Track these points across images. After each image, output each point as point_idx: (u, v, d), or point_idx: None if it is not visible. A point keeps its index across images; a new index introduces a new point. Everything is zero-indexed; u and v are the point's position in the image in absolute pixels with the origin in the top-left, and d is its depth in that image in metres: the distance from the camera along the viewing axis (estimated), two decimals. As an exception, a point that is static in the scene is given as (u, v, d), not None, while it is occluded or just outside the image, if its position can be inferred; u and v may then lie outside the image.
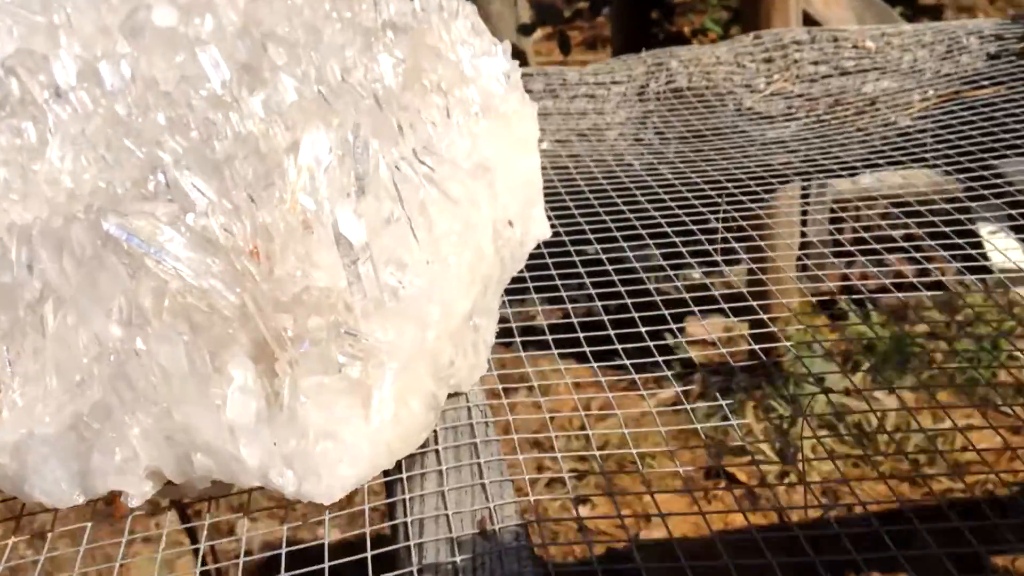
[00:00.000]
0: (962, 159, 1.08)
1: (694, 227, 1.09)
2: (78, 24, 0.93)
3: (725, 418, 0.78)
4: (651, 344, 0.79)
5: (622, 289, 0.91)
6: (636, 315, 0.85)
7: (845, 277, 1.09)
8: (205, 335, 0.52)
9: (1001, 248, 1.09)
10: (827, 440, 1.30)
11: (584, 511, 1.71)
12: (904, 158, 1.14)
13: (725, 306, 0.87)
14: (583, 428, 0.81)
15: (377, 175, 0.56)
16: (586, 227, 1.06)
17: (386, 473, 0.52)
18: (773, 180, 1.09)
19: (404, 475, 0.56)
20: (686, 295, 0.84)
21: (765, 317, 0.84)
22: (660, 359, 0.76)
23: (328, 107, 0.66)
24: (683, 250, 1.08)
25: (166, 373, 0.50)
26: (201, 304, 0.53)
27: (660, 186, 1.13)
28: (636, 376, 0.76)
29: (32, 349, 0.53)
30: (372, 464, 0.50)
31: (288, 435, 0.49)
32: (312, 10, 0.88)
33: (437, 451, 0.58)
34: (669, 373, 0.78)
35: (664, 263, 0.96)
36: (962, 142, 1.12)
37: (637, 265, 0.95)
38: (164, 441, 0.50)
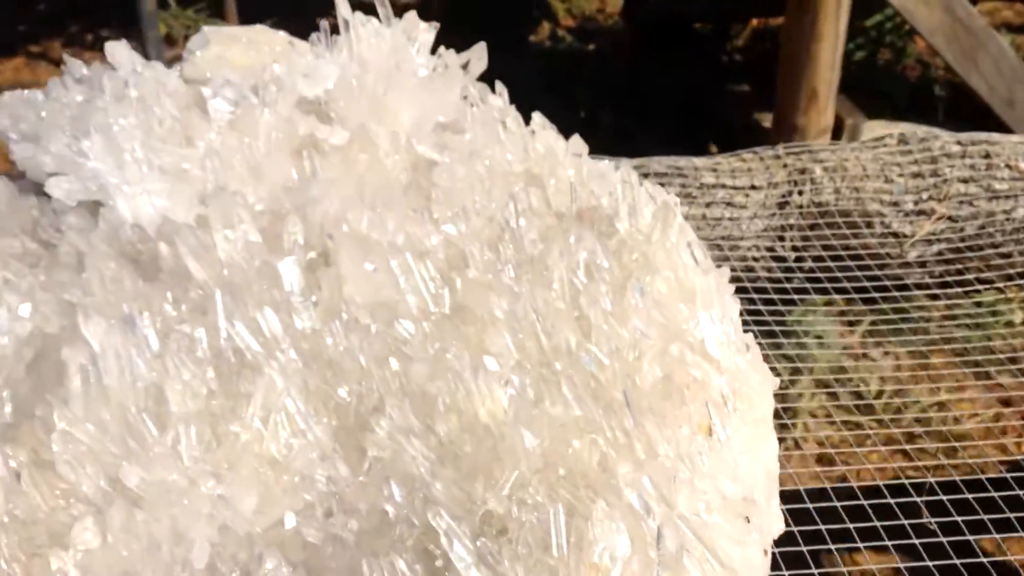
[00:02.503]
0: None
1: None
2: (226, 156, 0.84)
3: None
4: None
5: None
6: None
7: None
8: None
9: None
10: (826, 404, 1.28)
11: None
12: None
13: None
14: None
15: (678, 565, 0.51)
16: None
17: None
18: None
19: None
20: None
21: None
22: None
23: (581, 417, 0.59)
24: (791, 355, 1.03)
25: None
26: None
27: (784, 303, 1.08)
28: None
29: None
30: None
31: None
32: (499, 188, 0.80)
33: None
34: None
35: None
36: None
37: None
38: None
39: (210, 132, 0.86)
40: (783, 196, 1.15)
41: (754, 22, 4.78)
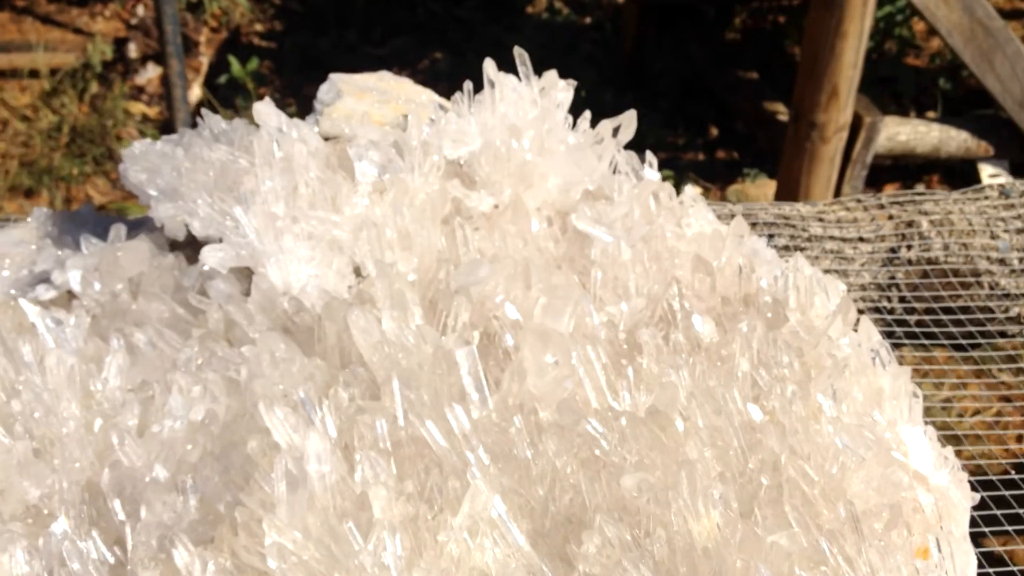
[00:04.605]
0: None
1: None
2: (380, 224, 0.83)
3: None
4: None
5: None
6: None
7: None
8: None
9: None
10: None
11: None
12: None
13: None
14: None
15: None
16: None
17: None
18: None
19: None
20: None
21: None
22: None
23: (807, 547, 0.59)
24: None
25: None
26: None
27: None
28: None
29: None
30: None
31: None
32: (659, 267, 0.80)
33: None
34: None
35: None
36: None
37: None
38: None
39: (356, 196, 0.85)
40: (891, 250, 1.16)
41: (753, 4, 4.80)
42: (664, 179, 0.89)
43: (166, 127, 3.96)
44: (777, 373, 0.73)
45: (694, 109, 4.39)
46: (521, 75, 0.91)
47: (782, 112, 3.95)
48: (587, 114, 0.90)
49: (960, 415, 1.73)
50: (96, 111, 4.05)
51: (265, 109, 0.85)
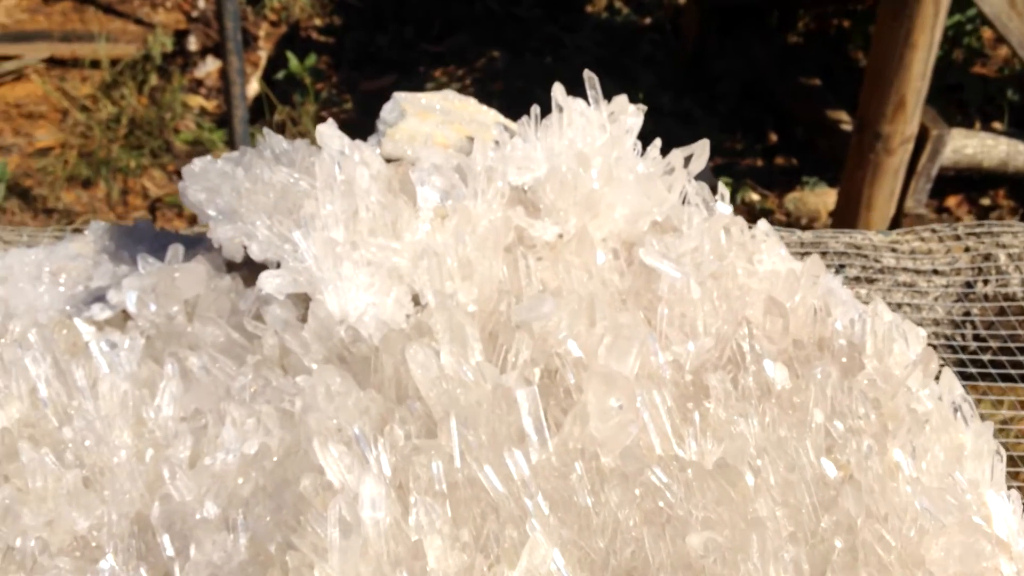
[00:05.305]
0: None
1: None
2: (441, 252, 0.81)
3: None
4: None
5: None
6: None
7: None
8: None
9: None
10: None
11: None
12: None
13: None
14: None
15: None
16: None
17: None
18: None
19: None
20: None
21: None
22: None
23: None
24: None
25: None
26: None
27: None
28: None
29: None
30: None
31: None
32: (729, 306, 0.77)
33: None
34: None
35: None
36: None
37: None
38: None
39: (417, 221, 0.83)
40: (966, 284, 1.12)
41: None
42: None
43: (223, 121, 3.98)
44: (853, 425, 0.70)
45: (753, 114, 4.33)
46: (590, 99, 0.89)
47: (844, 120, 3.88)
48: (657, 142, 0.88)
49: (1018, 437, 1.68)
50: (155, 103, 4.07)
51: (328, 131, 0.83)
